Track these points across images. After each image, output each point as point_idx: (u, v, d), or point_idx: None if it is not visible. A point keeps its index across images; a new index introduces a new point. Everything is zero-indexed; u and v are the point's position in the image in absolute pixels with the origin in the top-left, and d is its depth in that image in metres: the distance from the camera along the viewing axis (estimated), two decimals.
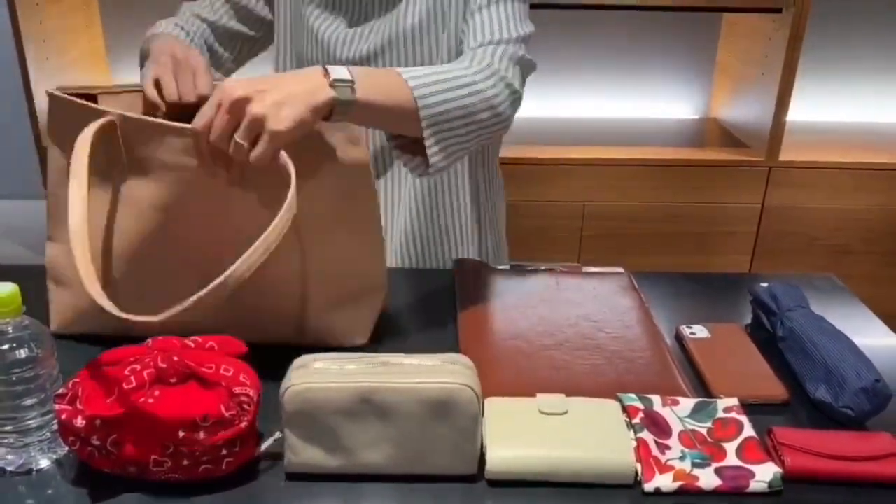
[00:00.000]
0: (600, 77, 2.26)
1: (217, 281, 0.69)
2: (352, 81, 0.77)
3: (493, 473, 0.67)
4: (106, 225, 0.82)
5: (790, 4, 1.83)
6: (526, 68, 0.96)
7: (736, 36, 2.16)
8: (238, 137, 0.72)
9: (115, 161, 0.80)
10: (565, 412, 0.71)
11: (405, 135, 0.87)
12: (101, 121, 0.78)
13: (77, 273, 0.73)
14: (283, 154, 0.75)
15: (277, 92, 0.72)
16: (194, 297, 0.69)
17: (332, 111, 0.77)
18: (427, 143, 0.84)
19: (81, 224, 0.75)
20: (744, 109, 2.10)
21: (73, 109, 0.80)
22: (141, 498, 0.65)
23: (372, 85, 0.79)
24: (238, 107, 0.71)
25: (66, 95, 0.81)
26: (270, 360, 0.83)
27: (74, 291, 0.87)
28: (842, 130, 2.21)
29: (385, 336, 0.89)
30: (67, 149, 0.82)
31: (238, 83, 0.73)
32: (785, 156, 1.94)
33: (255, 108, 0.71)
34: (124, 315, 0.71)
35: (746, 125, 2.08)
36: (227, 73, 1.15)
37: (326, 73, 0.77)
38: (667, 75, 2.28)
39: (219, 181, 0.78)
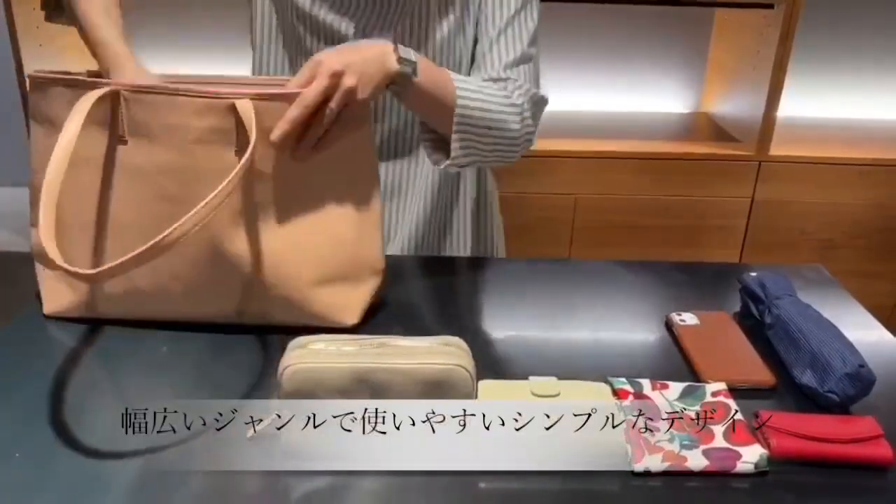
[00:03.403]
0: (593, 71, 2.28)
1: (153, 241, 0.71)
2: (415, 63, 0.88)
3: None
4: (100, 197, 0.83)
5: (781, 0, 1.85)
6: (541, 106, 1.06)
7: (728, 31, 2.17)
8: (334, 105, 0.80)
9: (113, 132, 0.81)
10: (557, 394, 0.72)
11: (435, 129, 0.97)
12: (102, 90, 0.79)
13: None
14: (251, 119, 0.77)
15: (362, 63, 0.82)
16: (130, 255, 0.71)
17: (391, 83, 0.87)
18: (454, 138, 0.94)
19: (57, 175, 0.75)
20: (735, 104, 2.12)
21: (56, 89, 0.81)
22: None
23: (428, 72, 0.90)
24: (335, 78, 0.79)
25: (48, 75, 0.82)
26: (264, 343, 0.85)
27: (61, 275, 0.87)
28: (832, 126, 2.23)
29: (381, 321, 0.90)
30: (52, 130, 0.83)
31: (332, 56, 0.81)
32: (775, 150, 1.96)
33: (348, 81, 0.80)
34: (63, 264, 0.71)
35: (737, 120, 2.10)
36: None
37: (395, 48, 0.86)
38: (659, 70, 2.29)
39: (226, 148, 0.80)
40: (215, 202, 0.74)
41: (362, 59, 0.83)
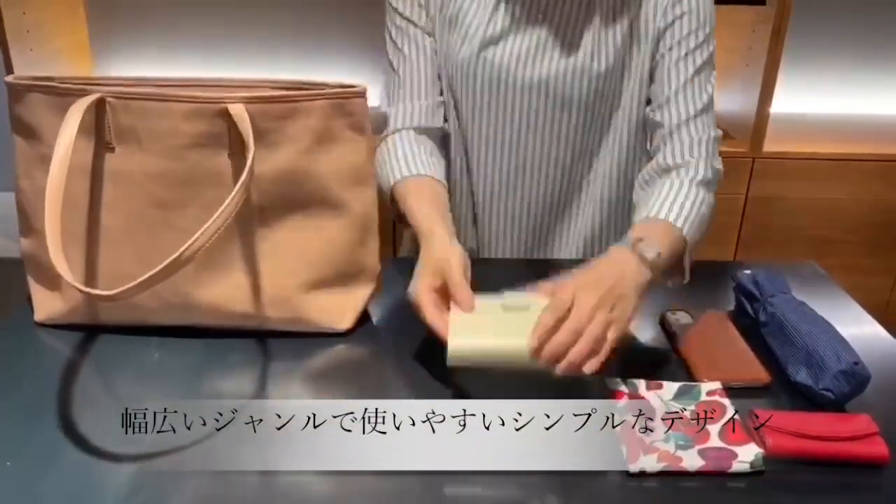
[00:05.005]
0: None
1: (171, 258, 0.69)
2: (658, 259, 0.81)
3: (453, 360, 0.70)
4: (90, 205, 0.82)
5: None
6: (719, 143, 1.08)
7: (720, 28, 2.16)
8: (581, 355, 0.70)
9: (99, 139, 0.80)
10: (528, 307, 0.73)
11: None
12: (91, 98, 0.77)
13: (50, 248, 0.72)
14: (248, 126, 0.76)
15: (620, 302, 0.74)
16: (147, 275, 0.69)
17: None
18: (685, 259, 0.92)
19: (58, 193, 0.74)
20: (728, 101, 2.12)
21: (35, 95, 0.80)
22: None
23: (666, 249, 0.85)
24: (600, 341, 0.71)
25: (26, 82, 0.80)
26: (256, 348, 0.84)
27: (52, 283, 0.86)
28: (825, 122, 2.23)
29: (375, 325, 0.90)
30: (32, 137, 0.82)
31: (588, 297, 0.72)
32: (769, 147, 1.96)
33: (611, 333, 0.72)
34: (77, 285, 0.70)
35: (731, 116, 2.10)
36: None
37: (640, 256, 0.80)
38: None
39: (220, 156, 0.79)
40: (227, 212, 0.73)
41: (620, 296, 0.74)
